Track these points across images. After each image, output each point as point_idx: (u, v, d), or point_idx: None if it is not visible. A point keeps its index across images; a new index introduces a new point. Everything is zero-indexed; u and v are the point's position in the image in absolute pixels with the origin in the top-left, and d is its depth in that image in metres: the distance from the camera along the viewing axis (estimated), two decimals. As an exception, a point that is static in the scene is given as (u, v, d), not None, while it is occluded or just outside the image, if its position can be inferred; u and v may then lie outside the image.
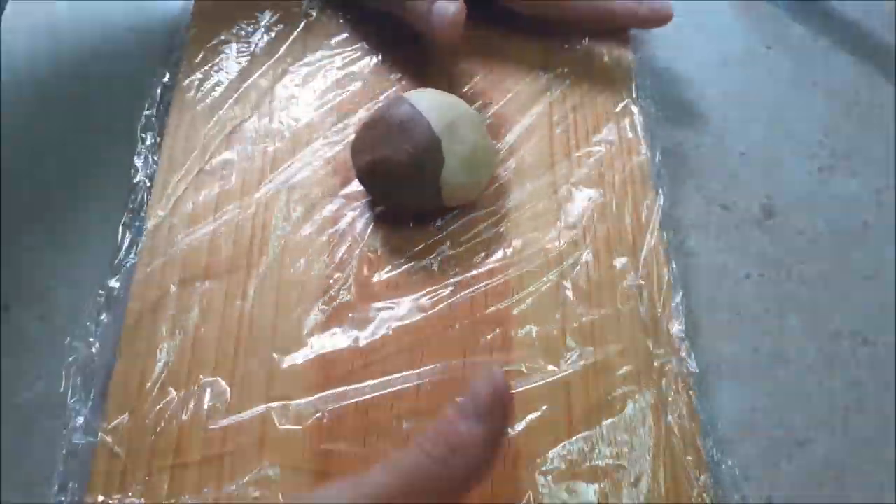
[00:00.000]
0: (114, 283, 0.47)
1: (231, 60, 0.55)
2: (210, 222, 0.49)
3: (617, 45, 0.57)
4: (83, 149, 0.54)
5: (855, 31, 0.61)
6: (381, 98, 0.54)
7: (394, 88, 0.54)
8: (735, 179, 0.54)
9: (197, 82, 0.54)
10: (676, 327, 0.45)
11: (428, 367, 0.43)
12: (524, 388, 0.42)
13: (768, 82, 0.59)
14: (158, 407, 0.42)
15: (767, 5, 0.63)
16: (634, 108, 0.53)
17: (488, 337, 0.45)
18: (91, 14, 0.60)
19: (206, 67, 0.55)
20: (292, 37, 0.57)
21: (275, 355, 0.44)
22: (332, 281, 0.47)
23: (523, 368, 0.43)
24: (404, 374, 0.43)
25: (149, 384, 0.43)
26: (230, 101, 0.54)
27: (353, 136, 0.50)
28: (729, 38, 0.61)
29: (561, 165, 0.51)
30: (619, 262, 0.47)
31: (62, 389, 0.44)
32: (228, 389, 0.43)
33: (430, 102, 0.47)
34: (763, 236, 0.52)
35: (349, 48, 0.56)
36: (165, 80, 0.55)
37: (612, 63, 0.56)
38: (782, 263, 0.51)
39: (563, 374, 0.43)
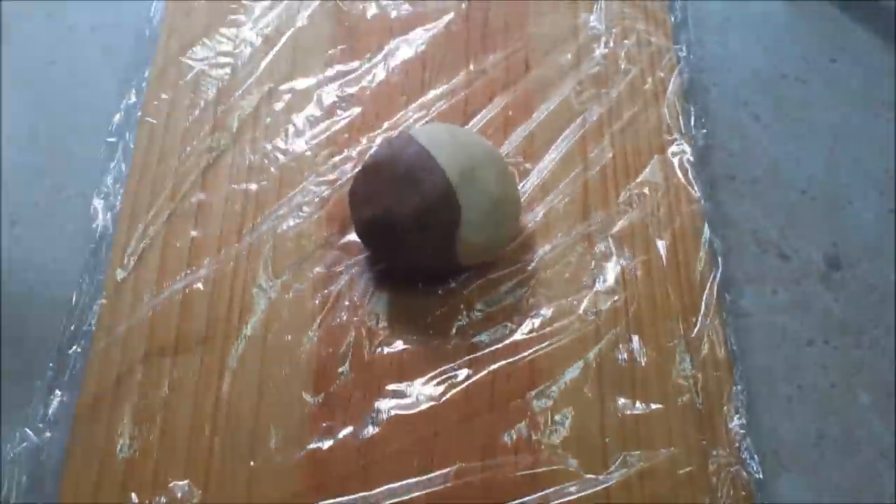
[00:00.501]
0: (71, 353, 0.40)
1: (207, 78, 0.47)
2: (181, 279, 0.41)
3: (661, 66, 0.49)
4: (37, 183, 0.46)
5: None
6: (385, 126, 0.46)
7: (399, 114, 0.46)
8: (795, 222, 0.47)
9: (167, 105, 0.46)
10: (736, 421, 0.38)
11: (439, 473, 0.36)
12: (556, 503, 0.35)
13: (832, 102, 0.51)
14: (117, 521, 0.35)
15: (830, 8, 0.54)
16: (685, 146, 0.45)
17: (512, 434, 0.37)
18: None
19: (177, 87, 0.47)
20: (277, 47, 0.48)
21: (256, 453, 0.37)
22: (324, 356, 0.39)
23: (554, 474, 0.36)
24: (411, 481, 0.36)
25: (106, 487, 0.36)
26: (206, 127, 0.46)
27: (351, 175, 0.42)
28: (786, 48, 0.53)
29: (597, 214, 0.43)
30: (669, 339, 0.40)
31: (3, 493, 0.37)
32: (200, 494, 0.36)
33: (442, 142, 0.40)
34: (828, 292, 0.45)
35: (345, 65, 0.48)
36: (131, 100, 0.47)
37: (657, 86, 0.48)
38: (851, 326, 0.44)
39: (604, 485, 0.36)
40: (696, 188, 0.45)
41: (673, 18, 0.51)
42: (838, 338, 0.44)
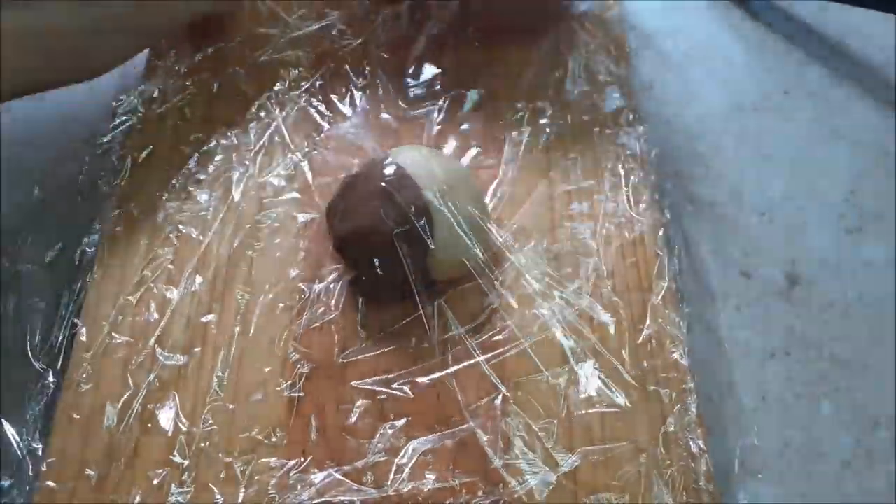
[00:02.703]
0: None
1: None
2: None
3: (616, 87, 0.51)
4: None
5: (880, 75, 0.56)
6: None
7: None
8: (755, 242, 0.49)
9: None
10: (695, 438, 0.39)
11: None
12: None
13: (787, 131, 0.53)
14: None
15: (783, 47, 0.57)
16: (638, 166, 0.47)
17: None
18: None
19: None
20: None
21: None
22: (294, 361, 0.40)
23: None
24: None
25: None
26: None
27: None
28: (743, 83, 0.56)
29: (562, 230, 0.45)
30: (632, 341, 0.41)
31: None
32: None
33: (419, 162, 0.41)
34: (789, 308, 0.46)
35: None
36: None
37: (612, 108, 0.50)
38: (811, 340, 0.45)
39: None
40: (650, 203, 0.46)
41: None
42: (800, 351, 0.45)
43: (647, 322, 0.42)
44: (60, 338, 0.41)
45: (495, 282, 0.43)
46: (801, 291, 0.47)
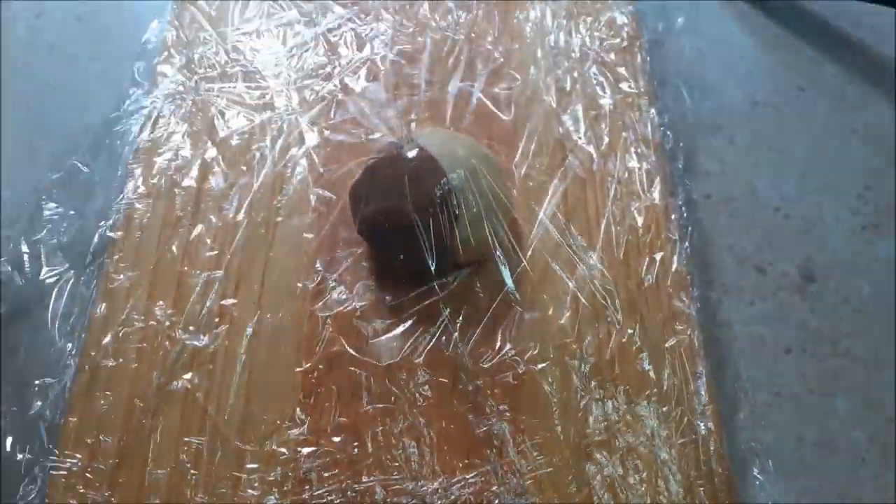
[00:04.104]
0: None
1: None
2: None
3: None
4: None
5: (894, 73, 0.56)
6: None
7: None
8: (770, 238, 0.48)
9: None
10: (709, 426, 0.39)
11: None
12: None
13: (802, 128, 0.53)
14: None
15: (798, 44, 0.57)
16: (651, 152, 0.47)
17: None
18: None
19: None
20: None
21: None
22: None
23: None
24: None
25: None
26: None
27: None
28: (758, 80, 0.55)
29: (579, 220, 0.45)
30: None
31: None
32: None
33: (443, 145, 0.41)
34: (804, 304, 0.46)
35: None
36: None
37: (637, 118, 0.50)
38: (826, 336, 0.45)
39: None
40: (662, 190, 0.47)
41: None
42: (815, 347, 0.45)
43: (661, 305, 0.42)
44: (81, 315, 0.42)
45: (519, 264, 0.43)
46: (816, 287, 0.47)
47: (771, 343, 0.45)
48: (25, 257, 0.44)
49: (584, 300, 0.42)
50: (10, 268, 0.44)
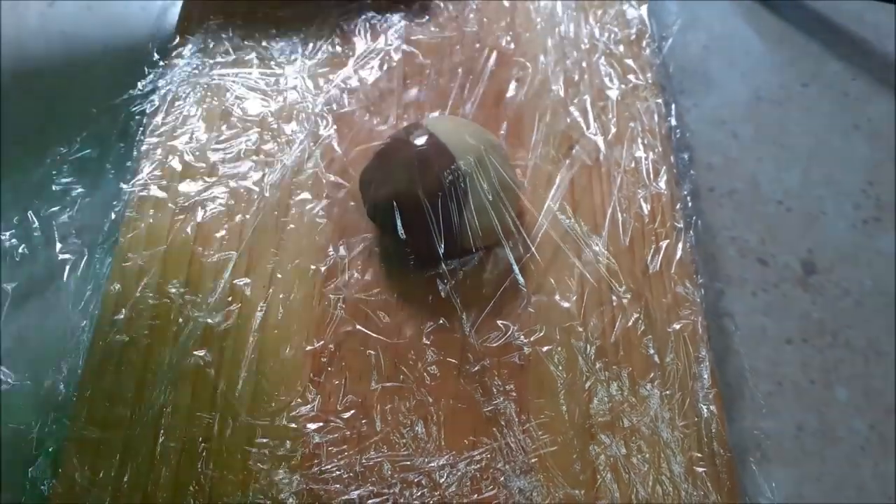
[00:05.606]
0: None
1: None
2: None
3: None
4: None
5: (898, 70, 0.56)
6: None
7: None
8: (772, 230, 0.49)
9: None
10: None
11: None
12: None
13: (805, 122, 0.54)
14: None
15: (802, 40, 0.58)
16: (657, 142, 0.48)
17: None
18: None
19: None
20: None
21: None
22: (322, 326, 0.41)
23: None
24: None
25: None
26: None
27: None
28: (762, 75, 0.56)
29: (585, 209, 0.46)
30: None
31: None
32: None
33: (452, 131, 0.42)
34: (805, 295, 0.47)
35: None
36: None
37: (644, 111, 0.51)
38: (827, 327, 0.46)
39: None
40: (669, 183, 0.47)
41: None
42: (816, 337, 0.46)
43: (666, 291, 0.43)
44: (95, 292, 0.43)
45: (527, 251, 0.44)
46: (818, 279, 0.47)
47: (772, 333, 0.46)
48: (41, 235, 0.45)
49: (590, 283, 0.43)
50: (24, 245, 0.45)
